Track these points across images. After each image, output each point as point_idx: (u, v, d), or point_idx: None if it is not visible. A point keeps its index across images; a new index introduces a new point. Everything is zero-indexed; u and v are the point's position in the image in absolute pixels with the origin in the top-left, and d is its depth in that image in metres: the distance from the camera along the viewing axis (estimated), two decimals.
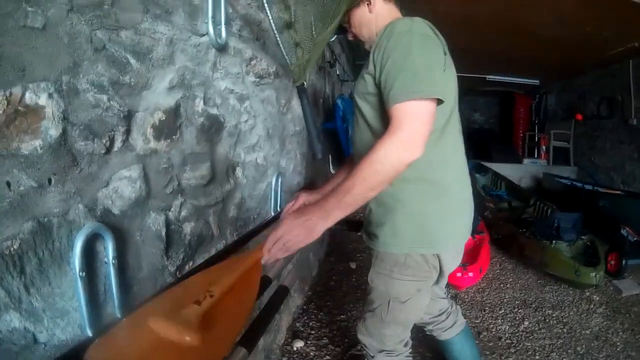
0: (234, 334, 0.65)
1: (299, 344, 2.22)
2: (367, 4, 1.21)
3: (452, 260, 1.28)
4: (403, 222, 1.15)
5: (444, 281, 1.44)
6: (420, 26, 1.04)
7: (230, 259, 0.97)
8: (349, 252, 3.74)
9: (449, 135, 1.15)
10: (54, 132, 0.67)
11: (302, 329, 2.41)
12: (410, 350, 1.41)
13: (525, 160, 7.31)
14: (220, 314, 0.66)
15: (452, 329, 1.57)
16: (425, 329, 1.62)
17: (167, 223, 1.03)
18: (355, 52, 4.79)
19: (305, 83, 1.13)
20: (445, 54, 1.06)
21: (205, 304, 0.66)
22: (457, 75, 1.21)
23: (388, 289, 1.23)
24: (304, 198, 1.36)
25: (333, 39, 2.33)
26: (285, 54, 1.03)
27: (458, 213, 1.22)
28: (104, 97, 0.79)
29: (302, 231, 0.94)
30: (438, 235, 1.17)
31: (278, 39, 1.00)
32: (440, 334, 1.58)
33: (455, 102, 1.19)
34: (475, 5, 3.59)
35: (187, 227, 1.14)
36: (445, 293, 1.56)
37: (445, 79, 1.05)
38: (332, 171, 4.02)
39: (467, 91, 8.25)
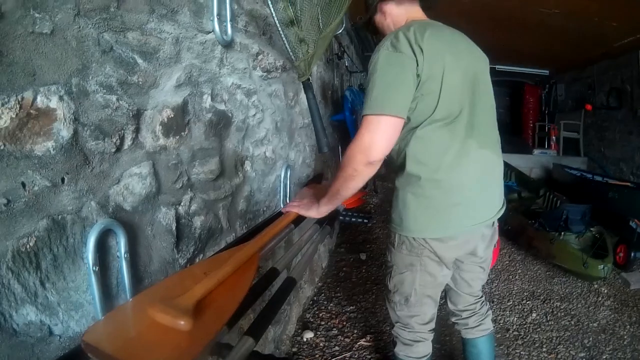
0: (223, 319, 0.70)
1: (308, 335, 2.25)
2: (381, 13, 1.32)
3: (452, 249, 1.30)
4: (392, 206, 1.34)
5: (467, 274, 1.47)
6: (392, 42, 1.13)
7: (228, 251, 1.00)
8: (359, 243, 3.73)
9: (443, 131, 1.18)
10: (65, 133, 0.70)
11: (311, 320, 2.43)
12: (431, 335, 1.49)
13: (535, 151, 7.12)
14: (212, 301, 0.70)
15: (474, 330, 1.58)
16: (452, 320, 1.65)
17: (177, 217, 1.06)
18: (364, 43, 4.74)
19: (310, 78, 1.14)
20: (417, 64, 1.11)
21: (199, 291, 0.70)
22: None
23: (392, 259, 1.40)
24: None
25: (340, 31, 2.32)
26: (289, 50, 1.04)
27: (444, 204, 1.23)
28: (113, 98, 0.82)
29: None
30: (417, 222, 1.26)
31: (282, 36, 1.01)
32: (461, 330, 1.62)
33: (458, 100, 1.19)
34: None
35: (197, 221, 1.17)
36: (475, 292, 1.55)
37: (411, 90, 1.13)
38: None
39: None
